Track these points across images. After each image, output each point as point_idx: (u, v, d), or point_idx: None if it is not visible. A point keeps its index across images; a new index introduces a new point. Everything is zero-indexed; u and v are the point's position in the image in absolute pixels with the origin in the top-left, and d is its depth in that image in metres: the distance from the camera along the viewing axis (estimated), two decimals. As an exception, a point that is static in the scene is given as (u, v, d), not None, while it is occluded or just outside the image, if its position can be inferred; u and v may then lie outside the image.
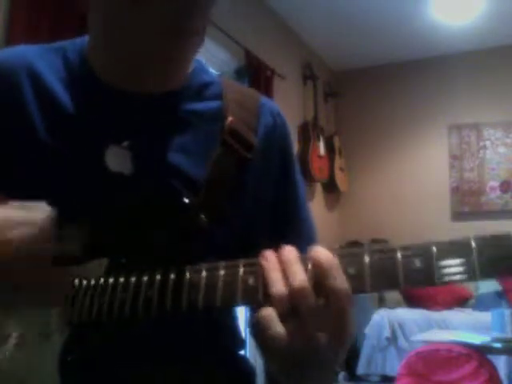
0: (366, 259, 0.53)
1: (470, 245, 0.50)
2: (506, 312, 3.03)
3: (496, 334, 2.95)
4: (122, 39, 0.74)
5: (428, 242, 0.52)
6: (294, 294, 0.52)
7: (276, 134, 0.82)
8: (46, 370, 0.65)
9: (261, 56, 3.92)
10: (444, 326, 4.20)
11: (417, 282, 0.52)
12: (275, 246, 0.58)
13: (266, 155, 0.80)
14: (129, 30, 0.72)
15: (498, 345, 2.88)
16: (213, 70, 0.89)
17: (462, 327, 3.95)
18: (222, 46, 3.56)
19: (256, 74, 3.83)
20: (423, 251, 0.52)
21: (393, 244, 0.54)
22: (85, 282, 0.67)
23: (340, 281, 0.53)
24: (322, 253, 0.54)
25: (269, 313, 0.53)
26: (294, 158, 0.86)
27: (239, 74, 3.80)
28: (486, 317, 3.53)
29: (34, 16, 2.28)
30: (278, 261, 0.55)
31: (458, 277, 0.50)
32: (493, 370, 2.81)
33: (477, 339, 2.93)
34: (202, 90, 0.81)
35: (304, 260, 0.55)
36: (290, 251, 0.56)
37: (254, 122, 0.80)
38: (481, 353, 2.83)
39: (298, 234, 0.83)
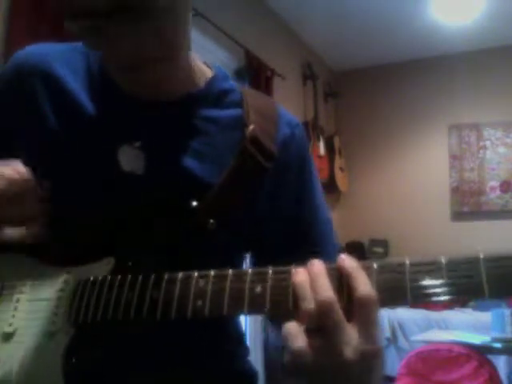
0: (374, 275, 0.53)
1: (479, 264, 0.50)
2: (506, 312, 3.03)
3: (496, 334, 2.95)
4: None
5: (437, 257, 0.52)
6: (321, 309, 0.52)
7: (294, 145, 0.82)
8: (50, 370, 0.65)
9: (261, 56, 3.91)
10: (444, 326, 4.20)
11: (424, 299, 0.52)
12: (289, 255, 0.58)
13: (283, 166, 0.79)
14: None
15: (498, 345, 2.88)
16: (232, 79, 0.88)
17: (462, 327, 3.95)
18: (222, 46, 3.56)
19: (256, 74, 3.83)
20: (432, 268, 0.52)
21: (401, 258, 0.54)
22: (91, 282, 0.67)
23: (364, 287, 0.53)
24: (346, 260, 0.55)
25: (294, 327, 0.53)
26: (312, 170, 0.85)
27: (239, 74, 3.79)
28: (486, 317, 3.53)
29: (33, 16, 2.27)
30: (307, 275, 0.55)
31: (466, 296, 0.50)
32: (493, 370, 2.80)
33: (477, 339, 2.93)
34: (221, 97, 0.80)
35: (330, 271, 0.55)
36: (317, 265, 0.56)
37: (273, 132, 0.79)
38: (481, 353, 2.83)
39: (316, 246, 0.82)
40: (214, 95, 0.80)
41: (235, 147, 0.76)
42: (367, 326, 0.52)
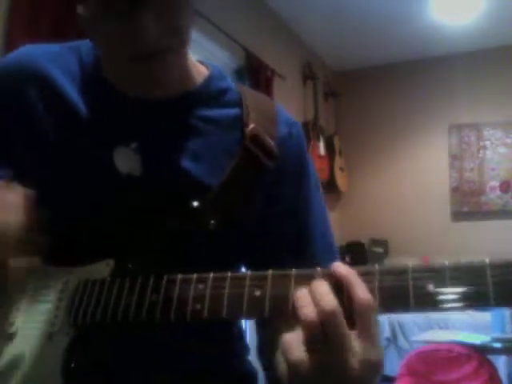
0: (377, 282, 0.53)
1: (485, 271, 0.49)
2: (506, 312, 3.02)
3: (496, 334, 2.95)
4: (104, 54, 0.74)
5: (442, 264, 0.51)
6: (324, 318, 0.51)
7: (292, 145, 0.81)
8: (50, 371, 0.65)
9: (261, 56, 3.91)
10: (444, 326, 4.19)
11: (427, 306, 0.51)
12: (289, 258, 0.58)
13: (282, 165, 0.78)
14: (103, 52, 0.72)
15: (498, 345, 2.87)
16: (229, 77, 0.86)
17: (462, 327, 3.94)
18: (222, 46, 3.56)
19: (256, 74, 3.83)
20: (436, 275, 0.51)
21: (405, 265, 0.52)
22: (90, 283, 0.67)
23: (363, 293, 0.52)
24: (341, 267, 0.54)
25: (292, 337, 0.52)
26: (311, 169, 0.84)
27: (239, 74, 3.79)
28: (485, 317, 3.53)
29: (33, 16, 2.27)
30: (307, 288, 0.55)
31: (470, 303, 0.49)
32: (493, 370, 2.80)
33: (477, 339, 2.93)
34: (218, 96, 0.80)
35: (328, 278, 0.54)
36: (319, 285, 0.55)
37: (273, 130, 0.78)
38: (481, 353, 2.83)
39: (313, 246, 0.80)
40: (211, 94, 0.79)
41: (234, 147, 0.75)
42: (369, 333, 0.51)
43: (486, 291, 0.48)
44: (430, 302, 0.50)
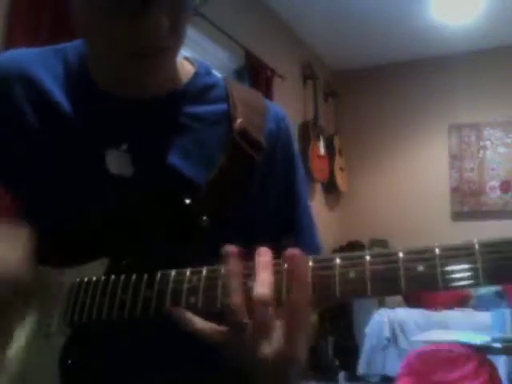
0: (367, 263, 0.53)
1: (474, 250, 0.49)
2: (506, 312, 3.02)
3: (496, 334, 2.95)
4: (97, 54, 0.74)
5: (431, 245, 0.51)
6: (254, 304, 0.53)
7: (279, 138, 0.81)
8: (47, 371, 0.65)
9: (261, 56, 3.91)
10: (444, 326, 4.19)
11: (418, 287, 0.51)
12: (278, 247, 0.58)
13: (270, 158, 0.79)
14: (100, 50, 0.71)
15: (498, 345, 2.88)
16: (216, 72, 0.86)
17: (462, 327, 3.95)
18: (222, 46, 3.56)
19: (256, 74, 3.83)
20: (426, 255, 0.51)
21: (395, 247, 0.53)
22: (85, 282, 0.67)
23: (302, 294, 0.53)
24: (296, 259, 0.55)
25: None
26: (296, 163, 0.85)
27: (239, 74, 3.79)
28: (485, 317, 3.53)
29: (33, 16, 2.27)
30: (245, 266, 0.57)
31: (461, 282, 0.49)
32: (493, 370, 2.80)
33: (477, 339, 2.93)
34: (204, 92, 0.80)
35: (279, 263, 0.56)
36: (263, 254, 0.56)
37: (261, 124, 0.79)
38: (481, 353, 2.83)
39: (299, 240, 0.81)
40: (198, 91, 0.79)
41: (222, 142, 0.75)
42: (294, 329, 0.53)
43: (476, 270, 0.49)
44: (420, 284, 0.51)
